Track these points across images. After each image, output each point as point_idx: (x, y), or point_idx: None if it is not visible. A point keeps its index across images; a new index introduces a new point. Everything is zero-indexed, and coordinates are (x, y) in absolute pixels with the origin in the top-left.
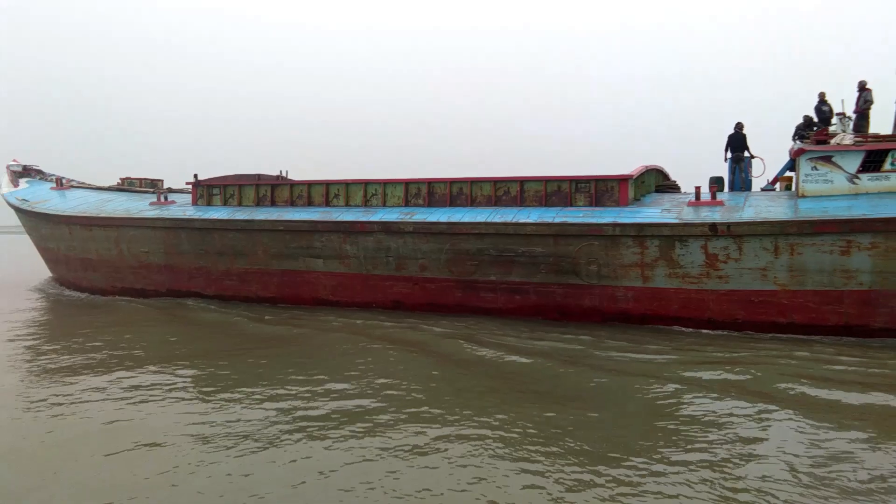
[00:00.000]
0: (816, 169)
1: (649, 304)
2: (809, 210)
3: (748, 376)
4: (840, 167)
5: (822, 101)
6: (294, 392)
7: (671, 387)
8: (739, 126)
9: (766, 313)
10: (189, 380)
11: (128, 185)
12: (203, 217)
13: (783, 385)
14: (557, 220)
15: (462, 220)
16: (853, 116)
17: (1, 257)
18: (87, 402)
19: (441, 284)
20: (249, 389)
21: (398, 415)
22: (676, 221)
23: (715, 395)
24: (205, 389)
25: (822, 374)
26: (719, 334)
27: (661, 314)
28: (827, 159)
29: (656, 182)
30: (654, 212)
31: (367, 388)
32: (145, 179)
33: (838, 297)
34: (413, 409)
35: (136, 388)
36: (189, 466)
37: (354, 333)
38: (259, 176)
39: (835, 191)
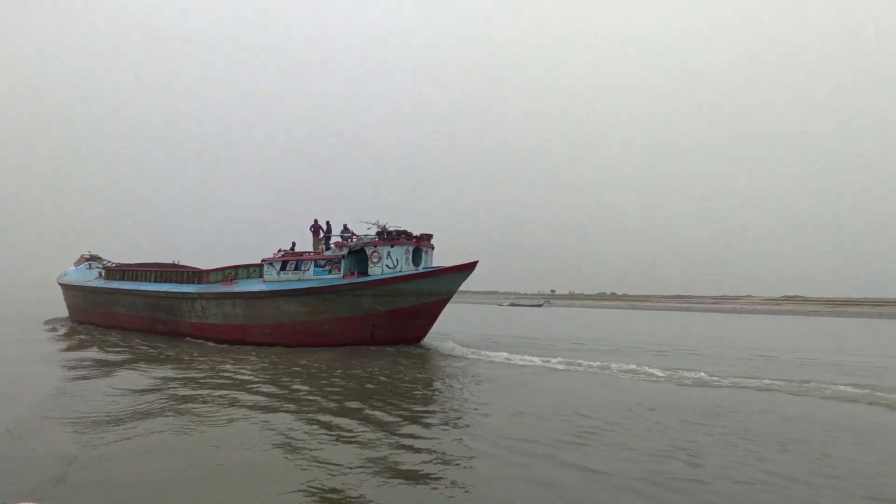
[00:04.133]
0: (269, 267)
1: (195, 331)
2: (259, 287)
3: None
4: (274, 267)
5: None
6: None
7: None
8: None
9: (217, 334)
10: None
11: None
12: (85, 285)
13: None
14: (164, 289)
15: (145, 289)
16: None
17: (57, 306)
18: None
19: (146, 320)
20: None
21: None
22: (192, 291)
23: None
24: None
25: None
26: (213, 346)
27: (201, 335)
28: (271, 263)
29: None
30: (200, 287)
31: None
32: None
33: (233, 327)
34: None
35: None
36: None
37: (104, 340)
38: (162, 263)
39: (274, 279)
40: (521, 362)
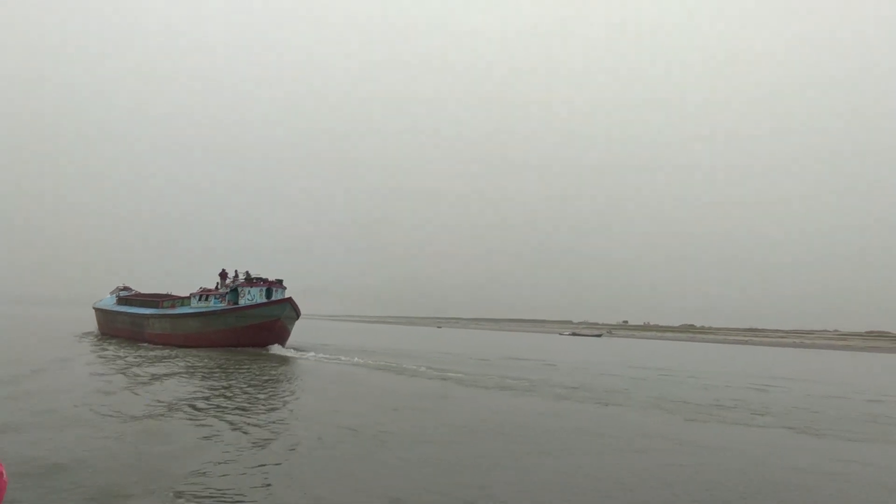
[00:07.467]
0: (193, 298)
1: (150, 338)
2: (181, 311)
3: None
4: (195, 298)
5: (226, 276)
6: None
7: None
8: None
9: (157, 340)
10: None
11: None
12: (104, 308)
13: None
14: (137, 311)
15: (129, 311)
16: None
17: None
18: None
19: (129, 331)
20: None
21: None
22: (148, 313)
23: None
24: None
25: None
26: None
27: (151, 341)
28: (193, 296)
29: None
30: (154, 310)
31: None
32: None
33: (165, 335)
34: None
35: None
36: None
37: (121, 346)
38: (156, 293)
39: (194, 306)
40: (316, 359)
